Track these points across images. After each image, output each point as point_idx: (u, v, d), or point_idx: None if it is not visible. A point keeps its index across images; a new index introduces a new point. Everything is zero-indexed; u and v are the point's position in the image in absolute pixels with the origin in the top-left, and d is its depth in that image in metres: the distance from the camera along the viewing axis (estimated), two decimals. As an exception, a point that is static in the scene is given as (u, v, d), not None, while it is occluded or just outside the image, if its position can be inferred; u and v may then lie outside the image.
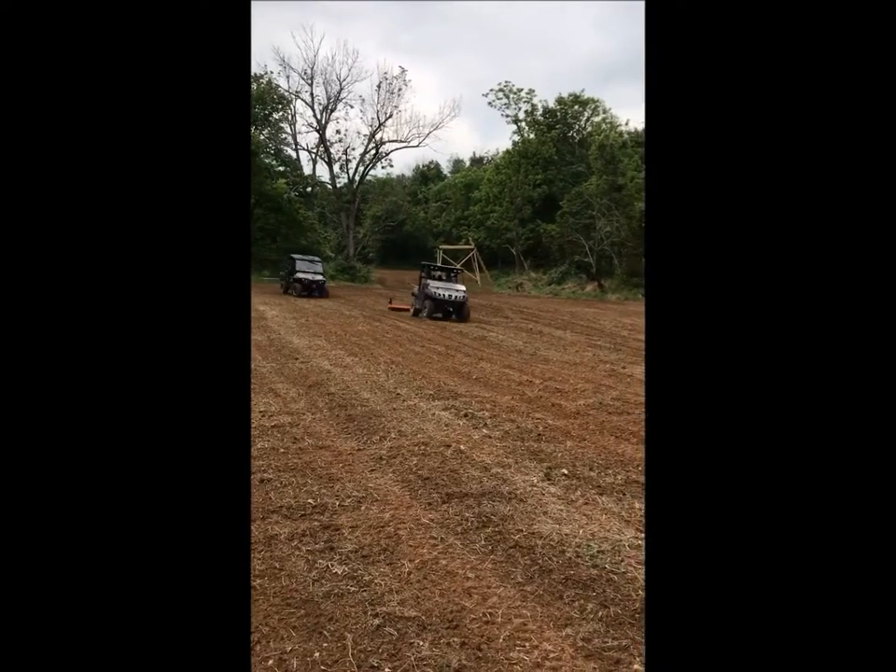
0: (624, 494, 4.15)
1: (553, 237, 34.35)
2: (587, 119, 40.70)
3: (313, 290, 23.38)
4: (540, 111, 39.97)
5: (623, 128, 40.40)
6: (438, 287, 17.90)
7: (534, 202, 36.54)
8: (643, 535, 3.49)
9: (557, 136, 38.65)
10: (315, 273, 24.03)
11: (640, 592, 2.82)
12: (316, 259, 26.10)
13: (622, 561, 3.13)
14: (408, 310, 19.63)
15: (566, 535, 3.42)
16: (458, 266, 21.31)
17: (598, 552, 3.22)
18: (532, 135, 39.25)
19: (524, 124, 39.58)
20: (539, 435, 5.59)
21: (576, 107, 39.94)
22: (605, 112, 40.80)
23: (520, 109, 39.08)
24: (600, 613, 2.65)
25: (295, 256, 25.09)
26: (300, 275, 23.38)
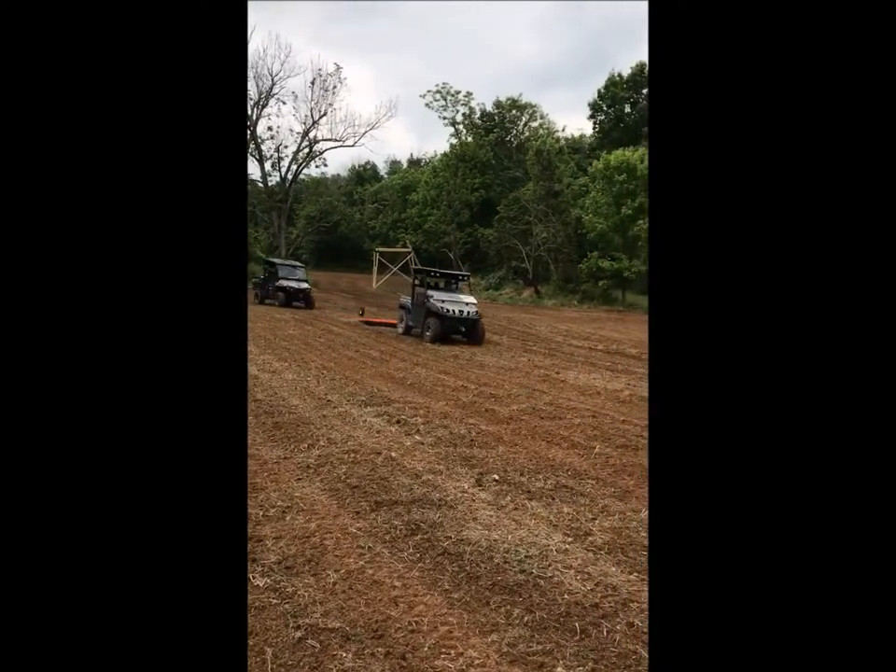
0: (553, 498, 4.25)
1: (490, 242, 34.81)
2: (525, 124, 41.48)
3: (297, 300, 21.25)
4: (478, 114, 40.45)
5: (560, 134, 41.37)
6: (444, 301, 13.86)
7: (472, 206, 36.92)
8: (570, 539, 3.58)
9: (495, 140, 39.20)
10: (298, 280, 21.86)
11: (566, 596, 2.90)
12: (298, 264, 23.89)
13: (549, 566, 3.21)
14: (388, 325, 16.57)
15: (494, 541, 3.48)
16: (463, 272, 18.28)
17: (526, 557, 3.29)
18: (470, 139, 39.65)
19: (461, 127, 39.94)
20: (472, 441, 5.65)
21: (514, 112, 40.65)
22: (542, 117, 41.70)
23: (457, 112, 39.40)
24: (526, 618, 2.71)
25: (275, 261, 23.21)
26: (283, 283, 21.26)
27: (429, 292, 14.26)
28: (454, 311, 13.86)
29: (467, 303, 14.34)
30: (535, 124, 41.27)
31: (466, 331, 14.01)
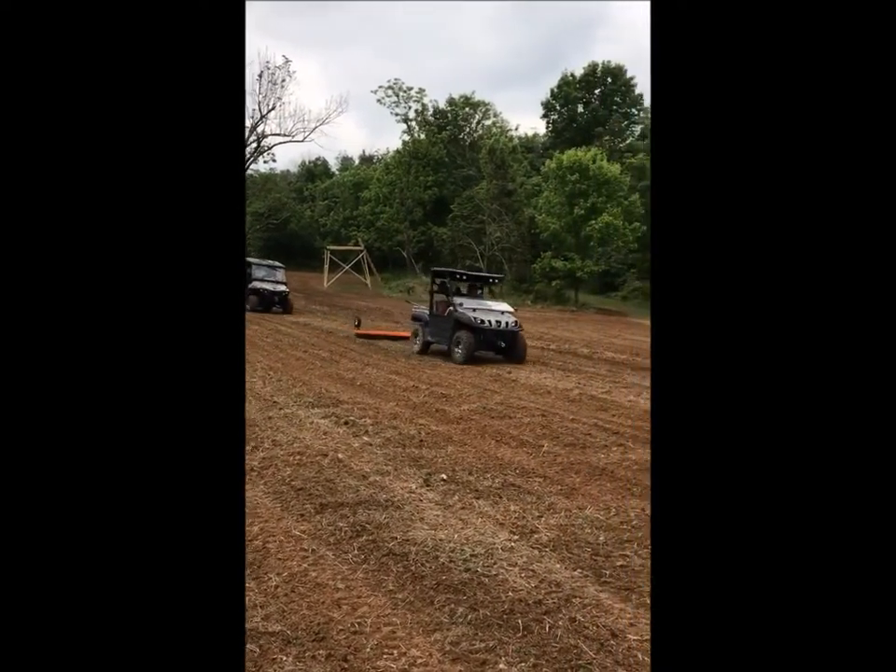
0: (501, 497, 4.31)
1: (444, 241, 34.93)
2: (478, 122, 41.74)
3: (274, 304, 19.46)
4: (431, 111, 40.53)
5: (514, 133, 41.75)
6: (475, 310, 11.50)
7: (425, 204, 36.98)
8: (516, 537, 3.65)
9: (448, 138, 39.34)
10: (276, 282, 19.86)
11: (510, 593, 2.95)
12: (277, 264, 21.20)
13: (494, 563, 3.26)
14: (392, 338, 14.50)
15: (440, 540, 3.51)
16: (496, 274, 14.84)
17: (471, 555, 3.34)
18: (423, 136, 39.69)
19: (414, 124, 39.94)
20: (421, 441, 5.68)
21: (467, 109, 40.85)
22: (496, 116, 42.04)
23: (410, 108, 39.42)
24: (469, 616, 2.75)
25: (251, 260, 20.90)
26: (258, 285, 19.29)
27: (456, 299, 11.74)
28: (489, 322, 11.30)
29: (502, 312, 11.82)
30: (488, 122, 41.59)
31: (506, 345, 11.48)
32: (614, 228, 30.25)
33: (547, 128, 43.17)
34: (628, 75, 41.39)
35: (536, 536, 3.67)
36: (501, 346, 11.51)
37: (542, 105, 42.15)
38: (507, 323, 11.57)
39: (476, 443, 5.73)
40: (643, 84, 42.48)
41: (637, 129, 42.42)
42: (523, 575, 3.15)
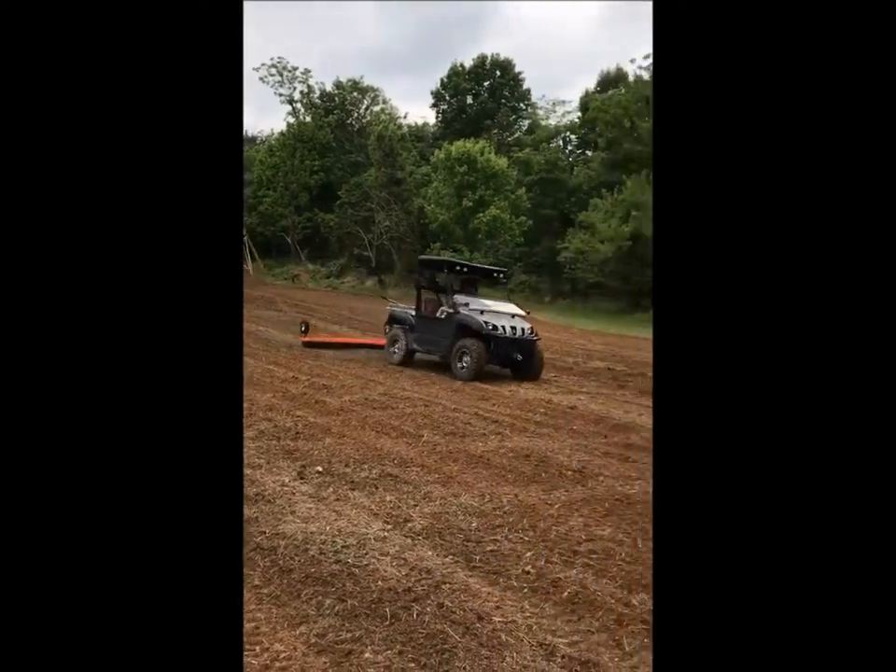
0: (377, 487, 4.33)
1: (331, 228, 34.36)
2: (366, 108, 41.30)
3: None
4: (317, 94, 39.67)
5: (403, 121, 41.69)
6: (484, 313, 9.55)
7: (311, 189, 36.18)
8: (390, 526, 3.68)
9: (335, 122, 38.67)
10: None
11: (380, 582, 2.97)
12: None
13: (365, 554, 3.27)
14: (357, 347, 12.12)
15: (311, 533, 3.48)
16: (499, 268, 11.72)
17: (343, 547, 3.33)
18: (308, 118, 38.79)
19: (299, 105, 38.95)
20: (298, 433, 5.59)
21: (355, 94, 40.32)
22: (385, 102, 41.76)
23: (295, 89, 38.35)
24: (337, 608, 2.74)
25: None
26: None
27: (459, 298, 9.84)
28: (503, 328, 9.31)
29: (513, 315, 9.83)
30: (377, 108, 41.25)
31: (523, 358, 9.45)
32: (501, 221, 30.97)
33: (437, 118, 43.47)
34: (517, 69, 42.42)
35: (409, 525, 3.71)
36: (517, 360, 9.39)
37: (432, 94, 42.38)
38: (523, 330, 9.57)
39: (355, 435, 5.71)
40: (531, 79, 43.62)
41: (525, 123, 43.62)
42: (394, 564, 3.18)
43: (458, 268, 10.42)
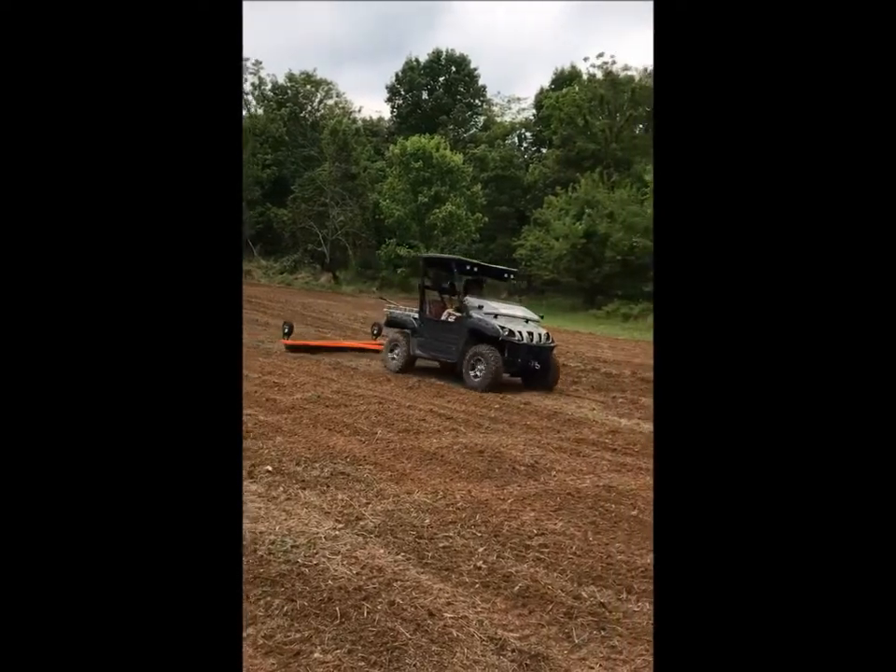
0: (328, 486, 4.29)
1: (284, 223, 33.88)
2: (320, 101, 40.89)
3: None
4: (269, 86, 39.07)
5: (357, 115, 41.41)
6: (498, 316, 8.80)
7: (263, 183, 35.58)
8: (341, 525, 3.65)
9: (288, 116, 38.13)
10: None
11: (330, 581, 2.95)
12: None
13: (315, 553, 3.24)
14: (343, 350, 11.48)
15: (260, 533, 3.43)
16: (508, 268, 10.82)
17: (293, 546, 3.29)
18: (260, 111, 38.16)
19: (251, 98, 38.29)
20: (247, 432, 5.50)
21: (308, 87, 39.85)
22: (338, 96, 41.42)
23: (246, 81, 37.66)
24: (286, 608, 2.71)
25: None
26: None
27: (471, 300, 9.12)
28: (520, 334, 8.66)
29: (527, 320, 9.21)
30: (330, 102, 40.89)
31: (540, 366, 8.86)
32: (457, 217, 31.04)
33: (392, 112, 43.29)
34: (472, 65, 42.52)
35: (362, 523, 3.70)
36: (534, 368, 8.82)
37: (387, 88, 42.18)
38: (540, 336, 8.95)
39: (307, 433, 5.66)
40: (486, 75, 43.76)
41: (480, 120, 43.78)
42: (345, 563, 3.16)
43: (468, 267, 9.63)
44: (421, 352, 9.52)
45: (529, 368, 8.82)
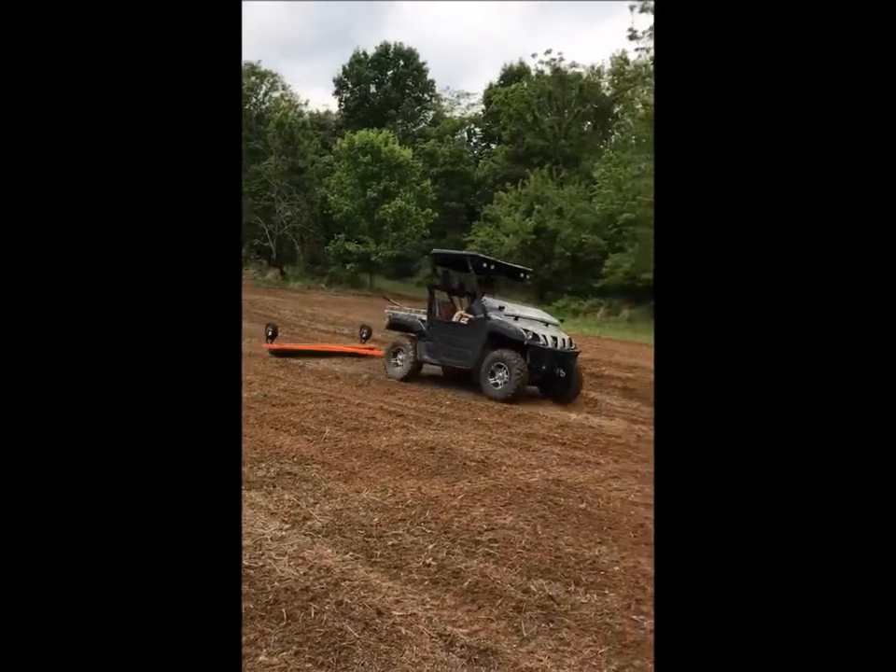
0: (275, 486, 4.23)
1: (229, 218, 33.19)
2: (265, 94, 40.19)
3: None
4: (213, 77, 38.18)
5: (304, 108, 40.85)
6: (519, 319, 8.24)
7: (207, 177, 34.78)
8: (288, 525, 3.60)
9: (233, 108, 37.33)
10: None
11: (276, 583, 2.90)
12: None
13: (262, 555, 3.18)
14: (339, 354, 10.84)
15: (204, 536, 3.35)
16: (524, 267, 10.26)
17: (237, 549, 3.23)
18: (204, 103, 37.28)
19: (194, 89, 37.34)
20: (191, 433, 5.37)
21: (252, 79, 39.10)
22: (284, 88, 40.79)
23: (189, 71, 36.72)
24: (230, 612, 2.66)
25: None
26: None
27: (490, 301, 8.42)
28: (545, 338, 8.05)
29: (547, 323, 8.63)
30: (276, 94, 40.24)
31: (565, 375, 8.23)
32: (407, 213, 30.99)
33: (339, 106, 42.87)
34: (420, 59, 42.44)
35: (309, 523, 3.65)
36: (560, 376, 8.16)
37: (334, 81, 41.74)
38: (563, 341, 8.38)
39: (253, 432, 5.56)
40: (435, 69, 43.73)
41: (429, 115, 43.74)
42: (291, 564, 3.12)
43: (485, 265, 8.78)
44: (430, 357, 8.73)
45: (554, 375, 8.15)
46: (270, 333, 10.54)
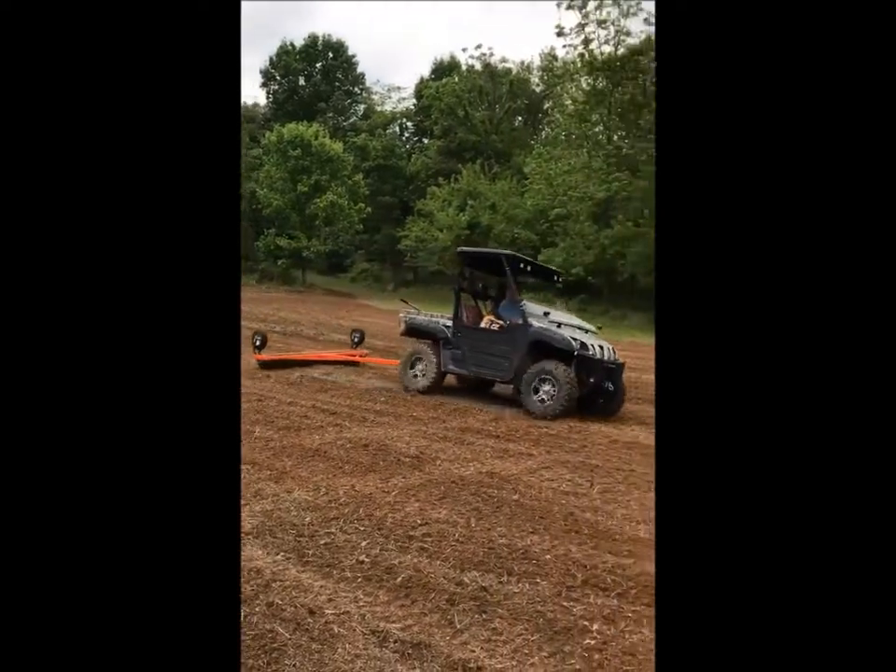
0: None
1: (152, 213, 32.14)
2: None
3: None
4: (132, 66, 36.83)
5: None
6: (562, 326, 7.49)
7: (127, 171, 33.55)
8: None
9: (154, 98, 36.12)
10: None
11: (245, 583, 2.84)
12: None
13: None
14: (330, 363, 9.83)
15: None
16: (556, 269, 10.03)
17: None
18: (123, 93, 35.91)
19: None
20: (113, 437, 5.19)
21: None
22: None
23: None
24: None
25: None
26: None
27: (531, 306, 7.64)
28: (594, 348, 7.27)
29: (586, 331, 7.75)
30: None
31: (614, 387, 7.52)
32: (339, 207, 30.67)
33: (267, 98, 41.99)
34: (350, 52, 42.01)
35: (238, 525, 3.59)
36: (609, 389, 7.44)
37: (261, 73, 40.85)
38: (610, 351, 7.58)
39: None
40: (364, 62, 43.40)
41: (360, 108, 43.38)
42: (220, 568, 3.05)
43: (521, 265, 7.86)
44: (456, 367, 7.86)
45: (603, 389, 7.39)
46: (258, 343, 9.37)
